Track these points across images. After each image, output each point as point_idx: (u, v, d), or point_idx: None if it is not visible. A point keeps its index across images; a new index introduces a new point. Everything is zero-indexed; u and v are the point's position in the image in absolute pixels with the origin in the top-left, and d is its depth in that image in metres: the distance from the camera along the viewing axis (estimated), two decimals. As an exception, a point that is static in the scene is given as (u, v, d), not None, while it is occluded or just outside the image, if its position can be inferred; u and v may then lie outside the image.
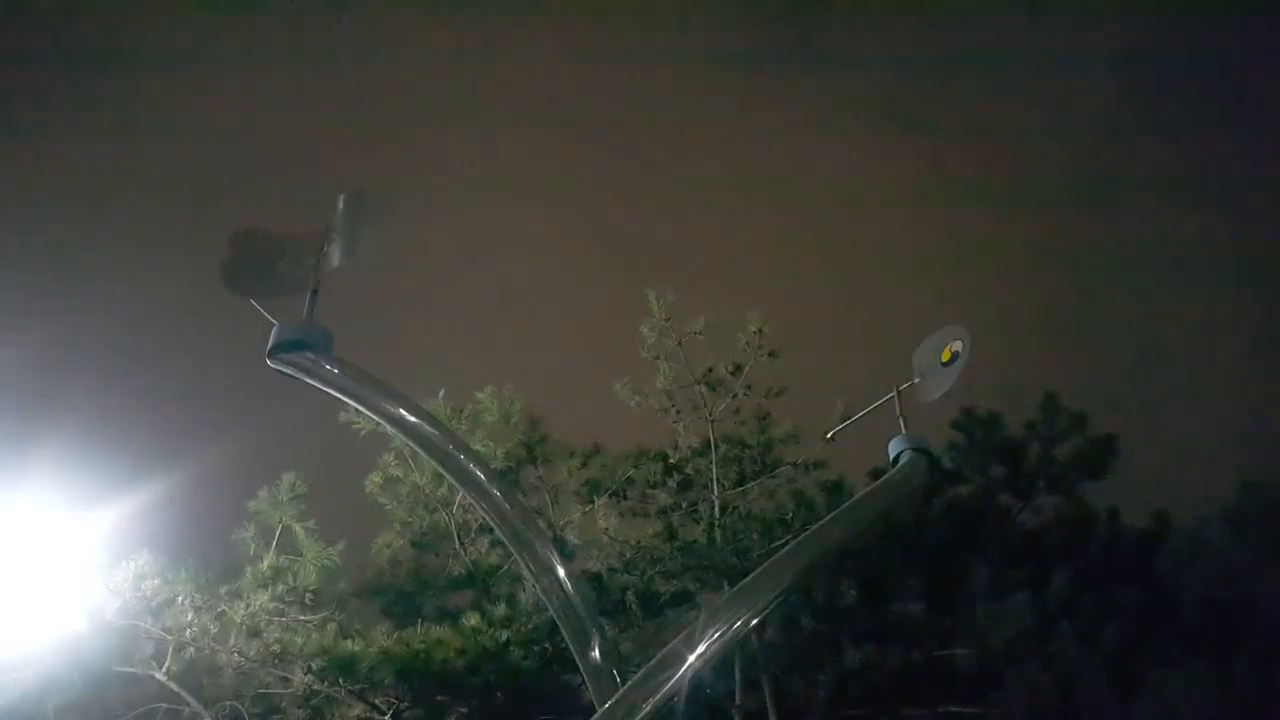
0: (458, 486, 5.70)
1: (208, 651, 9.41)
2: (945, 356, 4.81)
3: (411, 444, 4.73)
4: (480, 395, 10.99)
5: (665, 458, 11.22)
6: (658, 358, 10.89)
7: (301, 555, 9.74)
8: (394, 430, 4.81)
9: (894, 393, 4.97)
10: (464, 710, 10.13)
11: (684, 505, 11.18)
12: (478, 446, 10.32)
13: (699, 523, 11.13)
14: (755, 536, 10.66)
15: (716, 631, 3.64)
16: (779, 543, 10.00)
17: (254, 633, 9.29)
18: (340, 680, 9.54)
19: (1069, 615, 10.92)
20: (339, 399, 4.23)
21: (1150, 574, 11.57)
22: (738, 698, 10.54)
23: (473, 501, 4.77)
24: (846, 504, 4.85)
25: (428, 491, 10.79)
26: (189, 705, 9.89)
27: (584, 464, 11.37)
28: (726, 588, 9.96)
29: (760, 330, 10.73)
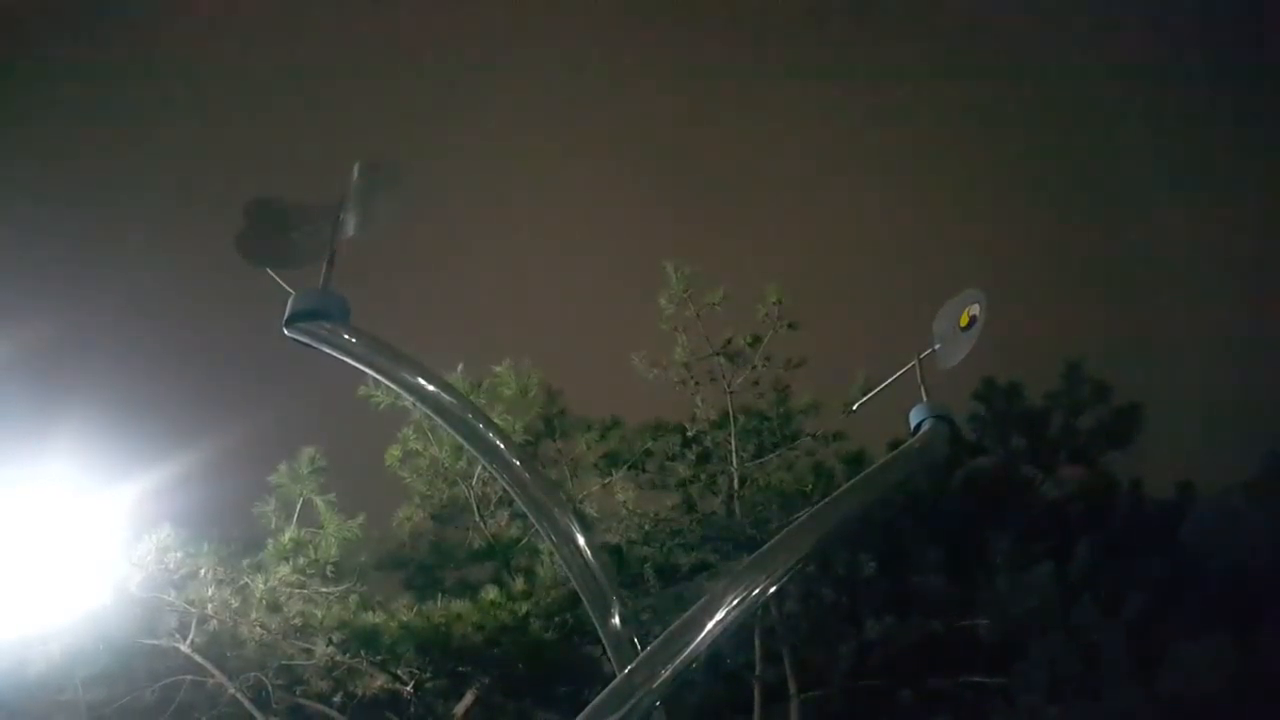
0: (477, 456, 5.69)
1: (230, 624, 9.51)
2: (964, 321, 4.74)
3: (430, 414, 4.71)
4: (498, 369, 10.99)
5: (683, 430, 11.21)
6: (676, 329, 10.86)
7: (322, 528, 9.81)
8: (413, 400, 4.80)
9: (915, 361, 4.90)
10: (485, 681, 10.21)
11: (702, 477, 11.18)
12: (496, 420, 10.32)
13: (718, 495, 11.14)
14: (774, 508, 10.65)
15: (736, 598, 3.62)
16: (798, 515, 9.98)
17: (276, 605, 9.39)
18: (362, 652, 9.63)
19: (1091, 586, 10.87)
20: (357, 368, 4.21)
21: (1174, 544, 11.48)
22: (757, 669, 10.58)
23: (492, 471, 4.76)
24: (867, 471, 4.81)
25: (447, 465, 10.83)
26: (213, 677, 10.01)
27: (602, 437, 11.37)
28: (745, 559, 9.96)
29: (779, 301, 10.67)
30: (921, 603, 11.08)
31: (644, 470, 11.27)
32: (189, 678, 10.31)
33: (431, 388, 4.20)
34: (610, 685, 3.40)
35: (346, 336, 4.09)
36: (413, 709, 10.45)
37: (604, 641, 3.81)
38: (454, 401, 4.33)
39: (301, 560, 9.41)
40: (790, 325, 10.72)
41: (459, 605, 9.76)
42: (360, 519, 9.97)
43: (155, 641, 9.75)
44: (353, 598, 9.67)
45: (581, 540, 3.90)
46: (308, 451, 10.00)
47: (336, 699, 10.33)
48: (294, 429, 10.67)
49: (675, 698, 3.55)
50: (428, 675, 10.18)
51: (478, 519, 11.11)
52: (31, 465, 8.69)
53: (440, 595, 10.10)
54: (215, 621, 9.52)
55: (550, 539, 4.07)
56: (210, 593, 9.26)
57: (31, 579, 8.67)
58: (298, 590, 9.44)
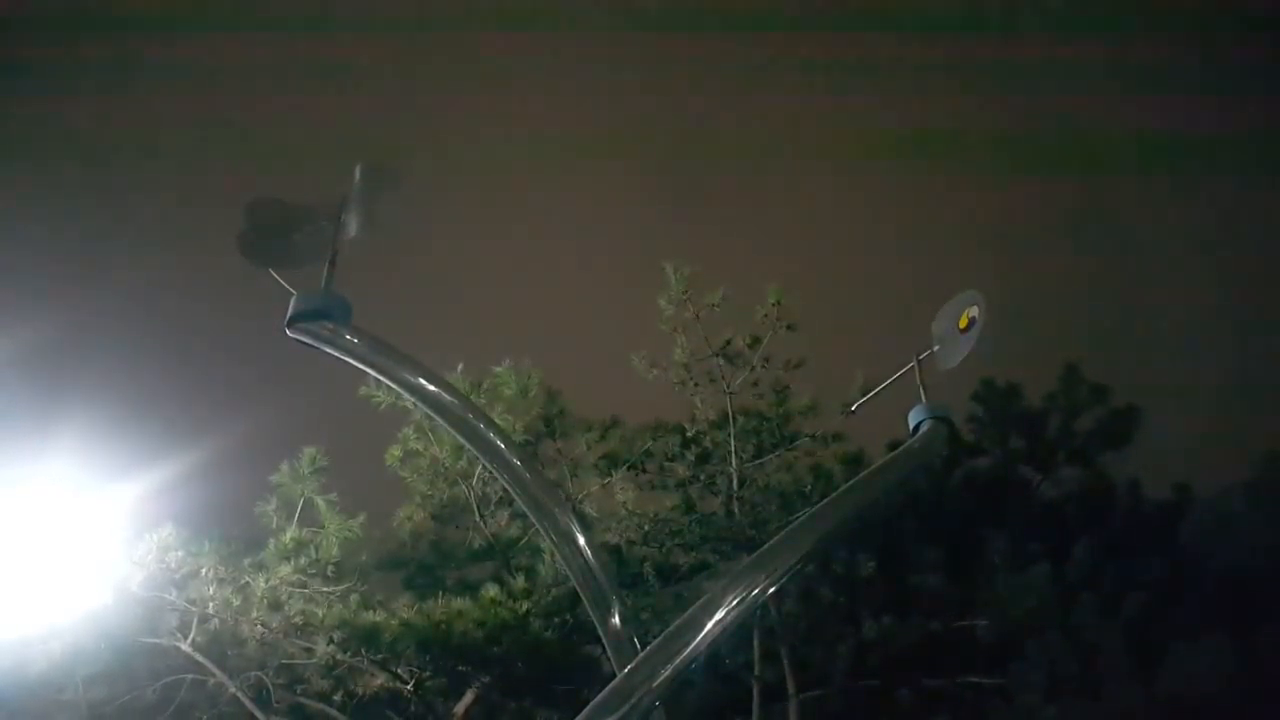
0: (478, 455, 5.71)
1: (231, 623, 9.51)
2: (963, 323, 4.75)
3: (431, 413, 4.73)
4: (498, 369, 10.99)
5: (683, 430, 11.18)
6: (675, 330, 10.84)
7: (323, 528, 9.80)
8: (414, 400, 4.81)
9: (914, 362, 4.92)
10: (485, 680, 10.22)
11: (702, 478, 11.16)
12: (496, 420, 10.33)
13: (717, 495, 11.12)
14: (774, 509, 10.66)
15: (736, 598, 3.63)
16: (797, 515, 10.00)
17: (276, 604, 9.38)
18: (363, 651, 9.63)
19: (1090, 586, 10.89)
20: (359, 369, 4.23)
21: (1172, 545, 11.51)
22: (756, 668, 10.59)
23: (492, 471, 4.78)
24: (867, 471, 4.82)
25: (447, 464, 10.82)
26: (214, 676, 10.02)
27: (602, 437, 11.35)
28: (745, 559, 9.97)
29: (779, 302, 10.65)
30: (920, 602, 11.11)
31: (644, 470, 11.25)
32: (190, 677, 10.32)
33: (432, 388, 4.22)
34: (610, 685, 3.42)
35: (348, 337, 4.12)
36: (413, 707, 10.47)
37: (604, 641, 3.83)
38: (454, 401, 4.35)
39: (302, 559, 9.41)
40: (789, 326, 10.68)
41: (459, 604, 9.76)
42: (361, 519, 9.97)
43: (156, 640, 9.75)
44: (353, 597, 9.67)
45: (581, 540, 3.92)
46: (309, 451, 9.99)
47: (337, 698, 10.35)
48: (295, 429, 10.69)
49: (675, 697, 3.58)
50: (428, 674, 10.19)
51: (478, 519, 11.11)
52: (31, 465, 8.69)
53: (440, 594, 10.10)
54: (216, 620, 9.53)
55: (550, 539, 4.10)
56: (211, 592, 9.26)
57: (32, 579, 8.67)
58: (299, 589, 9.44)
